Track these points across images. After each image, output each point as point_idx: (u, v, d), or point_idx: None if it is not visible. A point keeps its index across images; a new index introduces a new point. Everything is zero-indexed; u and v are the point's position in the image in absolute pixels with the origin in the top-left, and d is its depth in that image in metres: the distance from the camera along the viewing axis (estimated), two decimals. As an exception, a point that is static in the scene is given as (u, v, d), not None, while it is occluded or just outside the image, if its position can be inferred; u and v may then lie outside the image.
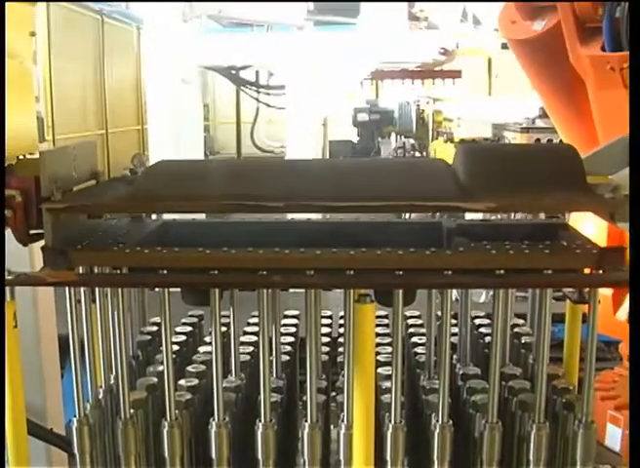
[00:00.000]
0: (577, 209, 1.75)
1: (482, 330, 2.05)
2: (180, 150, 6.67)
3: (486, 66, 12.20)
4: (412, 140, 11.02)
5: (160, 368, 1.79)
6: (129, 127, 13.64)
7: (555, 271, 1.55)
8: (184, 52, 6.43)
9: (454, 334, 2.00)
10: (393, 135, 11.67)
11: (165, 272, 1.56)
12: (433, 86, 9.89)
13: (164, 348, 1.63)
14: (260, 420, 1.66)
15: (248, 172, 1.73)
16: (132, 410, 1.67)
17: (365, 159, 2.06)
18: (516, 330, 2.05)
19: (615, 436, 3.86)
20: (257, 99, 7.80)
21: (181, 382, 1.77)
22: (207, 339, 2.04)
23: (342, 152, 11.47)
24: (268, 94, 7.76)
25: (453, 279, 1.56)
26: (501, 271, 1.53)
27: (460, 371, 1.91)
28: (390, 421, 1.63)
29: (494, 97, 11.36)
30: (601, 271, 1.53)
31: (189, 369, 1.83)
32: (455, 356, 2.00)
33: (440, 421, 1.65)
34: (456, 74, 8.43)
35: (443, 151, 8.65)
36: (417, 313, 2.16)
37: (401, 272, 1.55)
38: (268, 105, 7.92)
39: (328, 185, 1.65)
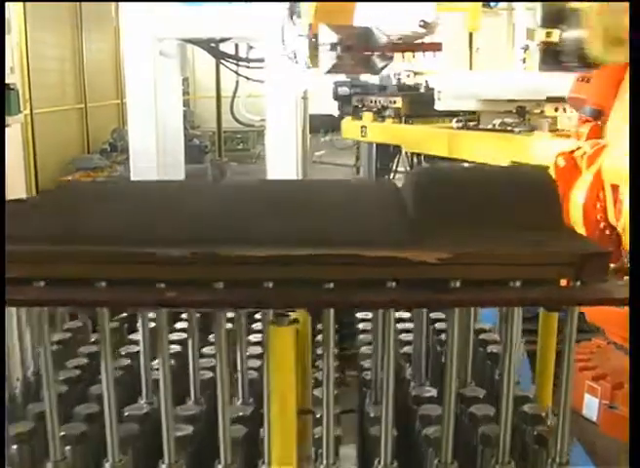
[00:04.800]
0: (555, 259, 1.44)
1: (443, 337, 1.75)
2: (159, 125, 6.62)
3: (467, 40, 12.16)
4: (393, 114, 10.98)
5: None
6: (108, 101, 13.51)
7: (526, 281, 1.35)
8: (163, 24, 6.36)
9: (407, 343, 1.79)
10: (374, 108, 11.63)
11: (42, 284, 1.28)
12: (413, 59, 9.84)
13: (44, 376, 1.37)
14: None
15: (153, 204, 1.44)
16: (15, 446, 1.40)
17: (303, 182, 1.75)
18: (482, 336, 1.80)
19: (592, 406, 3.91)
20: (236, 73, 7.73)
21: (78, 409, 1.50)
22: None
23: (323, 126, 11.43)
24: (248, 67, 7.69)
25: (397, 294, 1.32)
26: (457, 283, 1.32)
27: (413, 392, 1.65)
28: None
29: (474, 71, 11.34)
30: (579, 283, 1.36)
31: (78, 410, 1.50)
32: (409, 371, 1.73)
33: (382, 462, 1.39)
34: (436, 47, 8.37)
35: (386, 128, 8.49)
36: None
37: (331, 285, 1.30)
38: (248, 79, 7.85)
39: (247, 224, 1.38)
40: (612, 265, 1.42)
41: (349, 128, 8.93)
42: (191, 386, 1.60)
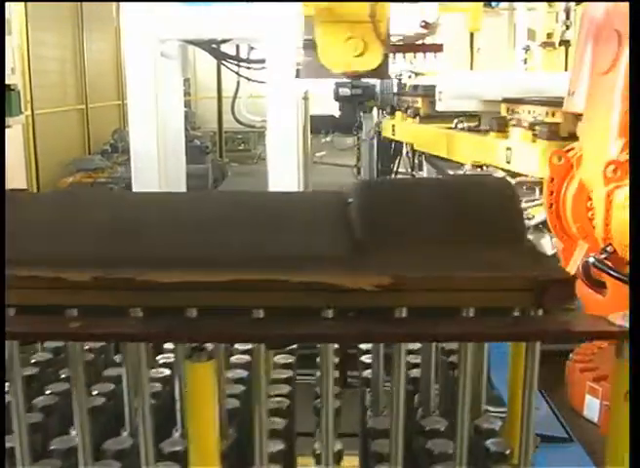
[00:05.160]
0: (513, 284, 1.28)
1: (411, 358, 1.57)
2: (160, 125, 6.61)
3: (468, 40, 12.17)
4: (393, 115, 11.00)
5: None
6: (109, 102, 13.51)
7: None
8: (164, 25, 6.36)
9: (368, 367, 1.62)
10: (375, 109, 11.64)
11: None
12: (415, 60, 9.86)
13: None
14: None
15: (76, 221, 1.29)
16: None
17: (246, 194, 1.50)
18: (451, 359, 1.60)
19: (593, 407, 3.90)
20: (237, 73, 7.73)
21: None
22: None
23: (324, 126, 11.43)
24: (249, 68, 7.70)
25: (328, 327, 1.17)
26: (403, 312, 1.19)
27: (369, 423, 1.48)
28: None
29: (475, 71, 11.35)
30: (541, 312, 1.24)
31: None
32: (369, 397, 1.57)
33: None
34: (437, 48, 8.36)
35: (407, 128, 8.58)
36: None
37: (261, 313, 1.17)
38: (249, 79, 7.86)
39: (167, 242, 1.25)
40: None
41: (386, 127, 9.48)
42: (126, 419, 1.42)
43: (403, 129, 8.68)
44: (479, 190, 1.46)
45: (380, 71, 5.52)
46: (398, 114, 8.80)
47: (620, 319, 1.22)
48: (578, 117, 5.46)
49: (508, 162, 6.04)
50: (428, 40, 6.93)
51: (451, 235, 1.32)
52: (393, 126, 9.10)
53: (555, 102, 5.70)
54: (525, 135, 5.81)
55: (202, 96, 15.84)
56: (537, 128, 5.59)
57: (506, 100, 6.44)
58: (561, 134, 5.43)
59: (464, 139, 6.82)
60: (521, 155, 5.86)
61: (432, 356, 1.52)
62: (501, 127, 6.16)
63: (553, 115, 5.62)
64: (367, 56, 5.26)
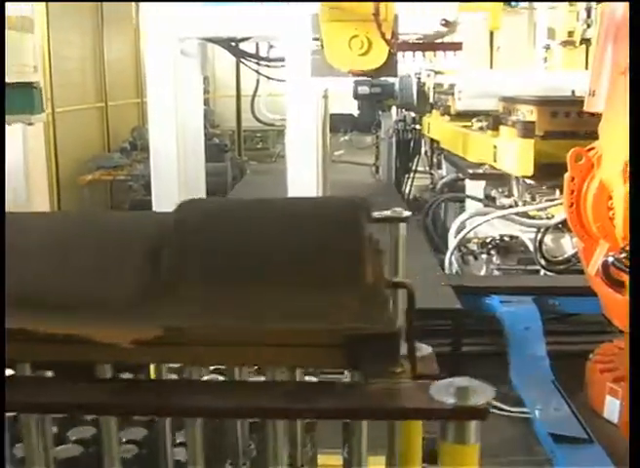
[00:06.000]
0: (322, 340, 1.09)
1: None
2: (179, 124, 6.63)
3: (487, 39, 12.12)
4: (412, 114, 10.97)
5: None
6: (128, 100, 13.57)
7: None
8: (184, 23, 6.37)
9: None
10: (394, 108, 11.62)
11: None
12: (434, 58, 9.83)
13: None
14: None
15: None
16: None
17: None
18: None
19: (613, 408, 3.88)
20: (257, 72, 7.74)
21: None
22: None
23: (343, 125, 11.43)
24: (268, 66, 7.70)
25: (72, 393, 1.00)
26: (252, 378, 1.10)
27: None
28: None
29: (495, 70, 11.30)
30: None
31: None
32: None
33: None
34: (456, 46, 8.33)
35: (439, 126, 8.62)
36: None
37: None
38: (269, 78, 7.86)
39: None
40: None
41: (424, 124, 9.67)
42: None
43: (434, 126, 8.79)
44: (317, 218, 1.24)
45: (387, 69, 5.51)
46: (434, 112, 8.88)
47: (446, 394, 1.05)
48: (553, 115, 5.48)
49: (495, 160, 6.07)
50: (448, 39, 6.89)
51: (271, 274, 1.12)
52: (429, 124, 9.23)
53: (547, 101, 5.71)
54: (510, 132, 5.83)
55: (221, 94, 15.87)
56: (516, 126, 5.65)
57: (503, 99, 6.45)
58: (536, 131, 5.46)
59: (472, 138, 6.84)
60: (503, 153, 5.89)
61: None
62: (496, 126, 6.20)
63: (531, 113, 5.65)
64: (371, 54, 5.26)
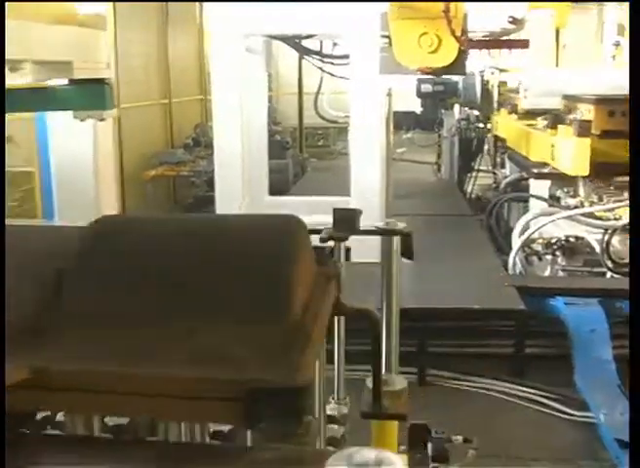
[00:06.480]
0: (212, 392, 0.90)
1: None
2: (243, 120, 6.68)
3: (554, 36, 11.93)
4: (476, 112, 10.87)
5: None
6: (191, 97, 13.73)
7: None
8: (249, 20, 6.42)
9: None
10: (457, 106, 11.52)
11: None
12: (500, 56, 9.73)
13: None
14: None
15: None
16: None
17: None
18: None
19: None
20: (321, 69, 7.77)
21: None
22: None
23: (406, 123, 11.39)
24: (332, 63, 7.72)
25: None
26: None
27: None
28: None
29: (561, 68, 11.11)
30: None
31: None
32: None
33: None
34: (523, 44, 8.22)
35: (506, 124, 8.51)
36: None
37: None
38: (332, 75, 7.89)
39: None
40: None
41: (493, 122, 9.61)
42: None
43: (502, 125, 8.71)
44: (239, 241, 1.10)
45: (456, 67, 5.48)
46: (502, 110, 8.82)
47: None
48: (610, 114, 5.34)
49: (553, 159, 5.96)
50: (514, 36, 6.82)
51: (174, 306, 0.98)
52: (496, 122, 9.17)
53: (604, 100, 5.58)
54: (567, 131, 5.71)
55: (283, 91, 15.96)
56: (573, 125, 5.53)
57: (565, 97, 6.33)
58: (593, 130, 5.34)
59: (534, 137, 6.74)
60: (560, 152, 5.78)
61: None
62: (555, 124, 6.08)
63: (590, 112, 5.54)
64: (441, 52, 5.23)
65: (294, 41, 7.11)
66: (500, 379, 4.86)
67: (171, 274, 1.02)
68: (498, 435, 4.10)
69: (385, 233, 2.13)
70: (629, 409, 1.43)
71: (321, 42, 7.84)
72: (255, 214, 1.87)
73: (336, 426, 1.95)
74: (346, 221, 2.15)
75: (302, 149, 14.16)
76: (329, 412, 1.96)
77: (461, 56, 5.24)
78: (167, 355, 0.92)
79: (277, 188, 8.48)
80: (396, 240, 2.15)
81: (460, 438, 2.45)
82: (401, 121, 10.85)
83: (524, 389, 4.68)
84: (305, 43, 7.44)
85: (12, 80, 3.84)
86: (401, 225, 2.17)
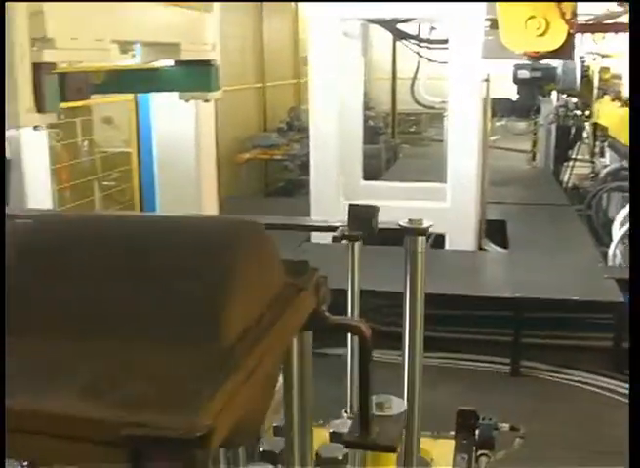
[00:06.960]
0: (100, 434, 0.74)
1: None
2: (339, 104, 6.68)
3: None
4: (574, 99, 10.59)
5: None
6: (285, 81, 13.80)
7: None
8: (347, 4, 6.39)
9: None
10: (554, 93, 11.25)
11: None
12: (602, 40, 9.42)
13: None
14: None
15: None
16: None
17: None
18: None
19: None
20: (418, 54, 7.70)
21: None
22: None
23: (501, 110, 11.18)
24: (429, 48, 7.64)
25: None
26: None
27: None
28: None
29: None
30: None
31: None
32: None
33: None
34: (626, 27, 7.92)
35: (609, 112, 8.25)
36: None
37: None
38: (430, 60, 7.81)
39: None
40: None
41: (594, 110, 9.48)
42: None
43: (604, 113, 8.45)
44: (174, 249, 0.98)
45: (564, 52, 5.33)
46: (605, 98, 8.57)
47: None
48: None
49: None
50: (622, 19, 6.59)
51: (86, 325, 0.88)
52: (598, 110, 8.97)
53: None
54: None
55: (376, 76, 15.88)
56: None
57: None
58: None
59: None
60: None
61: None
62: None
63: None
64: (549, 35, 5.09)
65: (391, 25, 7.06)
66: (599, 374, 4.75)
67: (85, 282, 0.93)
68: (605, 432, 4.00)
69: (408, 232, 1.98)
70: (629, 410, 1.37)
71: (419, 26, 7.76)
72: (207, 218, 1.70)
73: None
74: (363, 219, 2.02)
75: (395, 135, 14.07)
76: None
77: (570, 39, 5.10)
78: (56, 382, 0.80)
79: (370, 174, 8.45)
80: (421, 240, 2.00)
81: (506, 425, 2.41)
82: (496, 108, 10.66)
83: (626, 385, 4.55)
84: (401, 27, 7.37)
85: (122, 61, 3.91)
86: (426, 223, 1.98)
